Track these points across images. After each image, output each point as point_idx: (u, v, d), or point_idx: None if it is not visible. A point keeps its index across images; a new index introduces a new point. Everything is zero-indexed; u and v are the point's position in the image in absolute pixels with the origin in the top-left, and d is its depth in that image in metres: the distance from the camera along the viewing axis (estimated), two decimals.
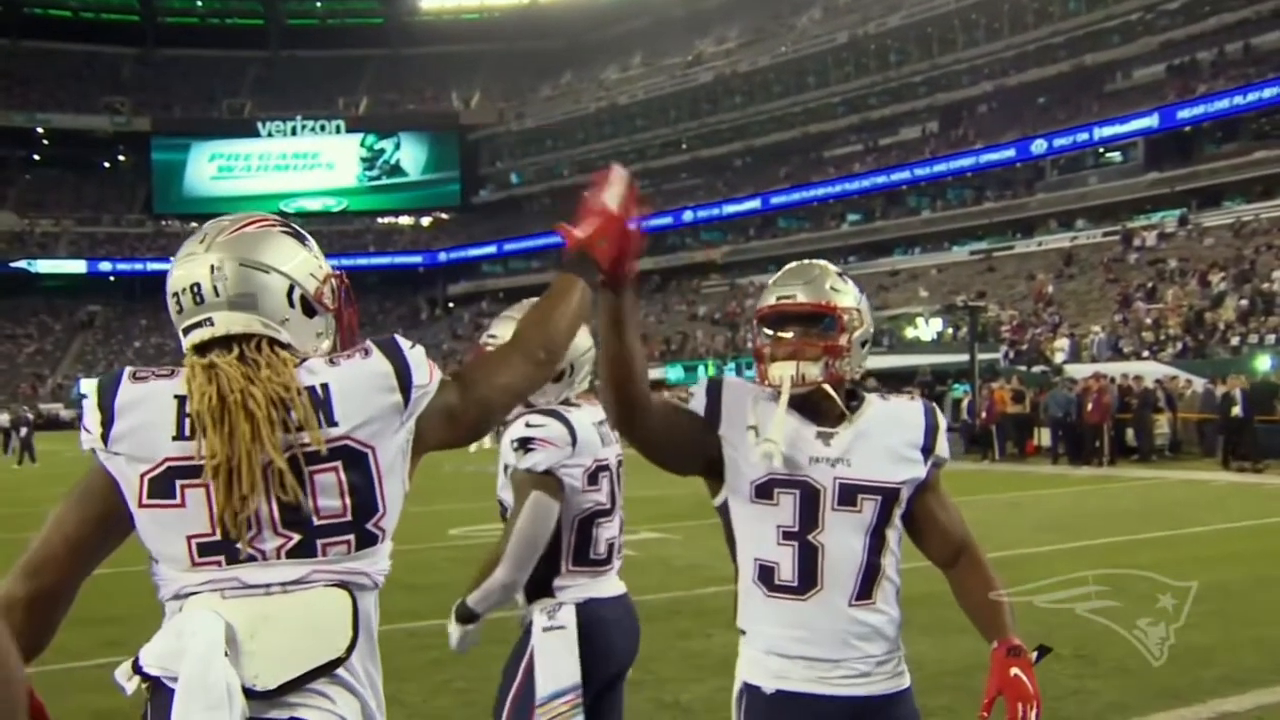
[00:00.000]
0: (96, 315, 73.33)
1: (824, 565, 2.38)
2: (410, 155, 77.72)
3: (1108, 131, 47.74)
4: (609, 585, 3.20)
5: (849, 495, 2.40)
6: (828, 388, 2.42)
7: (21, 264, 71.23)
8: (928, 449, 2.48)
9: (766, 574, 2.41)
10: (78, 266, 72.99)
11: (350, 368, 1.84)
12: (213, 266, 1.89)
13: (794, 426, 2.41)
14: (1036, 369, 29.31)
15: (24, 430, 31.45)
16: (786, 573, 2.39)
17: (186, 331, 1.91)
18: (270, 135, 77.54)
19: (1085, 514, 14.62)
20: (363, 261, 73.59)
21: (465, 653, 3.17)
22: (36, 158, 77.82)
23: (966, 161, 53.25)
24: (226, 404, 1.76)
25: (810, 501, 2.39)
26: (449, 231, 76.29)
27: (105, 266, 73.42)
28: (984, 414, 24.72)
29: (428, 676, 6.63)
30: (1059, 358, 30.34)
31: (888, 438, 2.45)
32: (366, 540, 1.80)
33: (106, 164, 79.59)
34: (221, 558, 1.74)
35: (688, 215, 62.58)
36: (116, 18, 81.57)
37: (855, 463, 2.41)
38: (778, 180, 61.49)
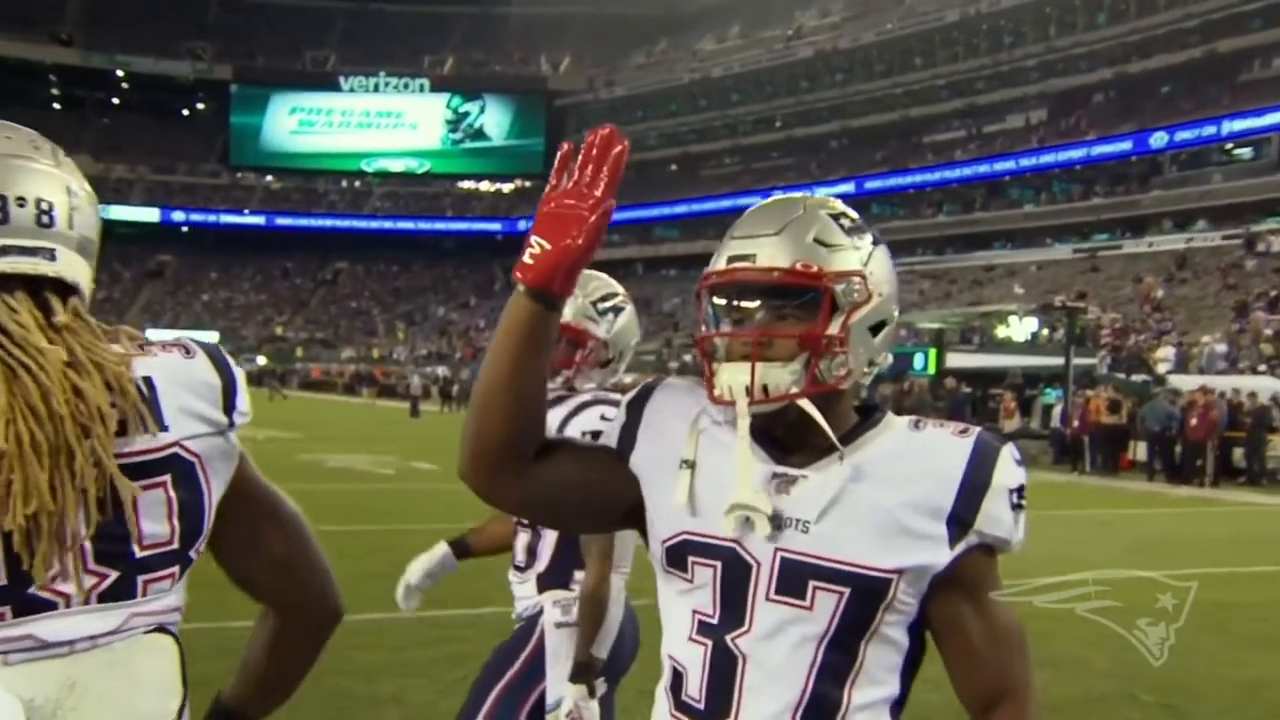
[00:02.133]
0: (166, 265, 72.84)
1: (743, 685, 1.63)
2: (494, 119, 76.65)
3: (1238, 125, 46.22)
4: (619, 584, 2.96)
5: (794, 580, 1.61)
6: (806, 404, 1.61)
7: None
8: (960, 519, 1.59)
9: (676, 681, 1.71)
10: (151, 215, 72.59)
11: (172, 363, 1.51)
12: (69, 189, 1.53)
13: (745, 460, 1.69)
14: (1137, 378, 28.22)
15: None
16: (694, 686, 1.67)
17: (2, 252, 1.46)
18: (352, 90, 76.75)
19: (1182, 539, 13.66)
20: (440, 226, 72.67)
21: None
22: (115, 101, 77.69)
23: (1077, 153, 52.23)
24: (43, 389, 1.38)
25: (735, 583, 1.64)
26: (530, 199, 74.86)
27: (178, 216, 73.08)
28: (1076, 423, 23.74)
29: (442, 673, 6.12)
30: (1162, 367, 29.51)
31: (892, 492, 1.61)
32: (185, 570, 1.49)
33: (185, 111, 79.26)
34: (7, 609, 1.35)
35: (777, 195, 61.06)
36: None
37: (819, 528, 1.60)
38: (873, 164, 60.52)
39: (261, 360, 61.28)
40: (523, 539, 3.07)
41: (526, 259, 1.60)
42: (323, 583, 1.67)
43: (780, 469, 1.66)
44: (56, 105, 75.91)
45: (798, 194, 1.78)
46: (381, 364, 59.49)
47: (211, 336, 71.59)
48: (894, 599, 1.60)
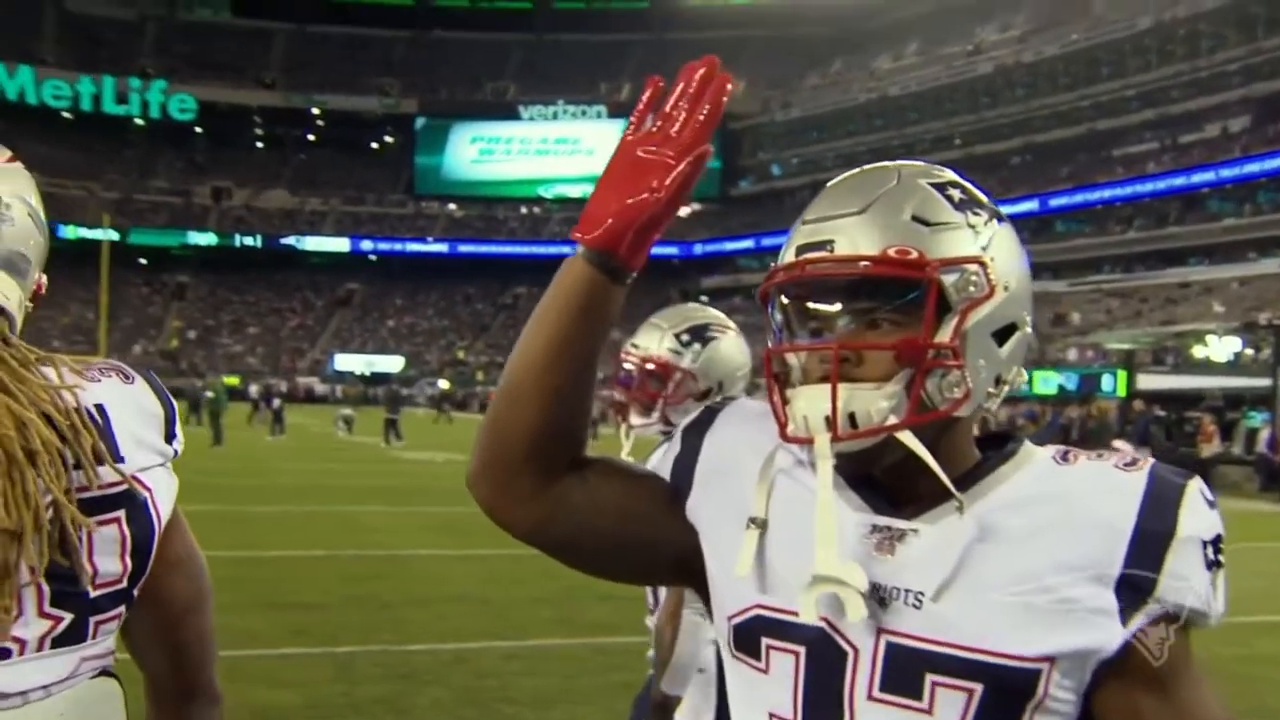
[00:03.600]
0: (355, 293, 75.74)
1: None
2: None
3: None
4: (694, 619, 2.85)
5: (905, 673, 1.23)
6: (910, 439, 1.22)
7: (290, 240, 74.92)
8: (1134, 583, 1.19)
9: None
10: (341, 245, 75.81)
11: (116, 390, 1.41)
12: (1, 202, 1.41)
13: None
14: None
15: (276, 402, 32.19)
16: None
17: None
18: (531, 119, 78.56)
19: None
20: None
21: None
22: (311, 138, 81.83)
23: None
24: None
25: (825, 676, 1.26)
26: (706, 223, 75.34)
27: (366, 245, 76.03)
28: None
29: (612, 701, 5.87)
30: None
31: (1037, 550, 1.22)
32: (129, 610, 1.41)
33: (374, 145, 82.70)
34: None
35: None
36: (393, 1, 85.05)
37: (938, 604, 1.22)
38: (1058, 180, 58.71)
39: (444, 384, 62.97)
40: None
41: (588, 213, 1.28)
42: (206, 654, 1.49)
43: (882, 520, 1.27)
44: (260, 144, 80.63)
45: (891, 163, 1.34)
46: None
47: (397, 361, 73.77)
48: (1045, 696, 1.20)
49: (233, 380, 49.57)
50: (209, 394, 31.20)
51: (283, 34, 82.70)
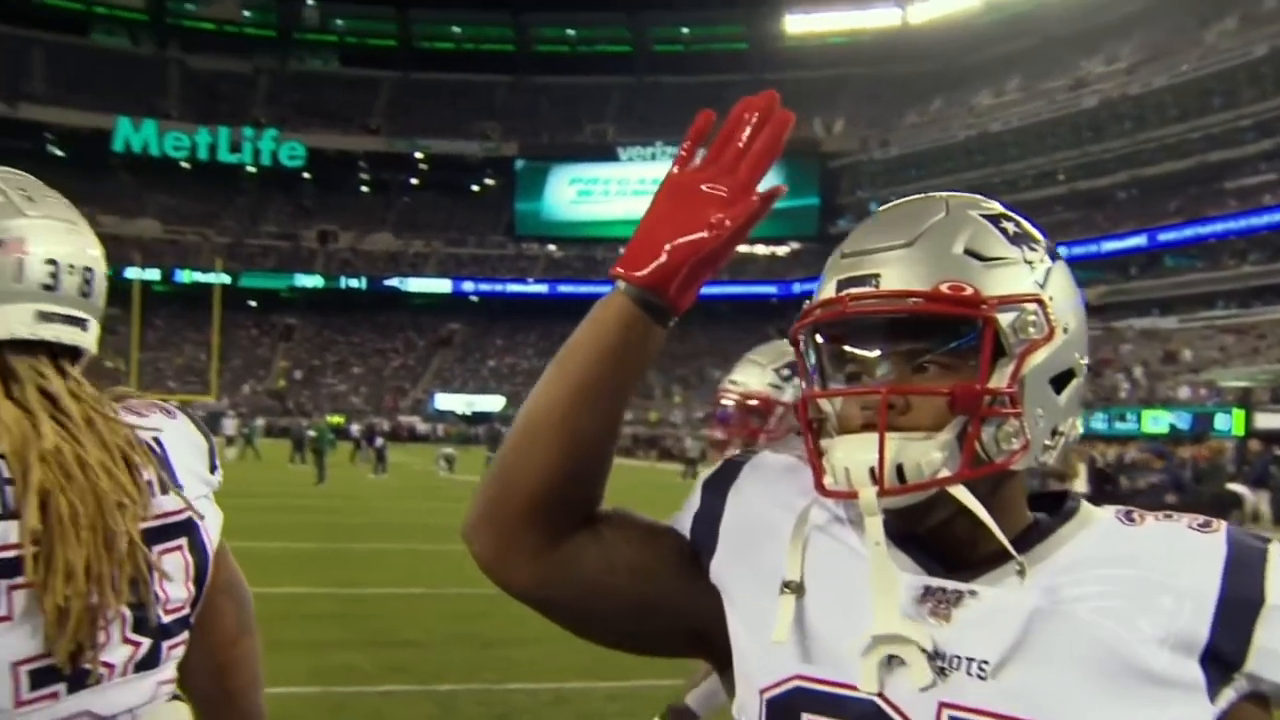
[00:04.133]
0: (456, 333, 76.78)
1: None
2: (767, 182, 76.64)
3: None
4: None
5: None
6: (963, 494, 1.12)
7: (394, 282, 76.18)
8: (1222, 656, 1.08)
9: None
10: (443, 286, 76.95)
11: (166, 423, 1.49)
12: (99, 259, 1.50)
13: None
14: None
15: (379, 441, 32.49)
16: None
17: (47, 318, 1.41)
18: (630, 160, 78.99)
19: None
20: (715, 290, 73.20)
21: None
22: (414, 182, 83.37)
23: None
24: (82, 461, 1.34)
25: None
26: (804, 262, 74.84)
27: (468, 286, 77.07)
28: None
29: None
30: None
31: (1115, 618, 1.10)
32: (190, 635, 1.48)
33: (475, 187, 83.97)
34: (62, 686, 1.33)
35: (1060, 252, 58.83)
36: (493, 48, 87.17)
37: (1006, 674, 1.10)
38: (1167, 214, 57.02)
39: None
40: None
41: (634, 249, 1.18)
42: (255, 678, 1.54)
43: (935, 582, 1.15)
44: (365, 189, 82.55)
45: (937, 194, 1.24)
46: (658, 427, 60.41)
47: (497, 401, 74.47)
48: None
49: (337, 419, 50.48)
50: (311, 433, 31.96)
51: (388, 81, 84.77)
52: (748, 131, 1.21)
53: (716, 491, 1.28)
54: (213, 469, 1.48)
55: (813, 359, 1.23)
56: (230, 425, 38.02)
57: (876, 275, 1.15)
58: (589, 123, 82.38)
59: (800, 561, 1.18)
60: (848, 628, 1.13)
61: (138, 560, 1.34)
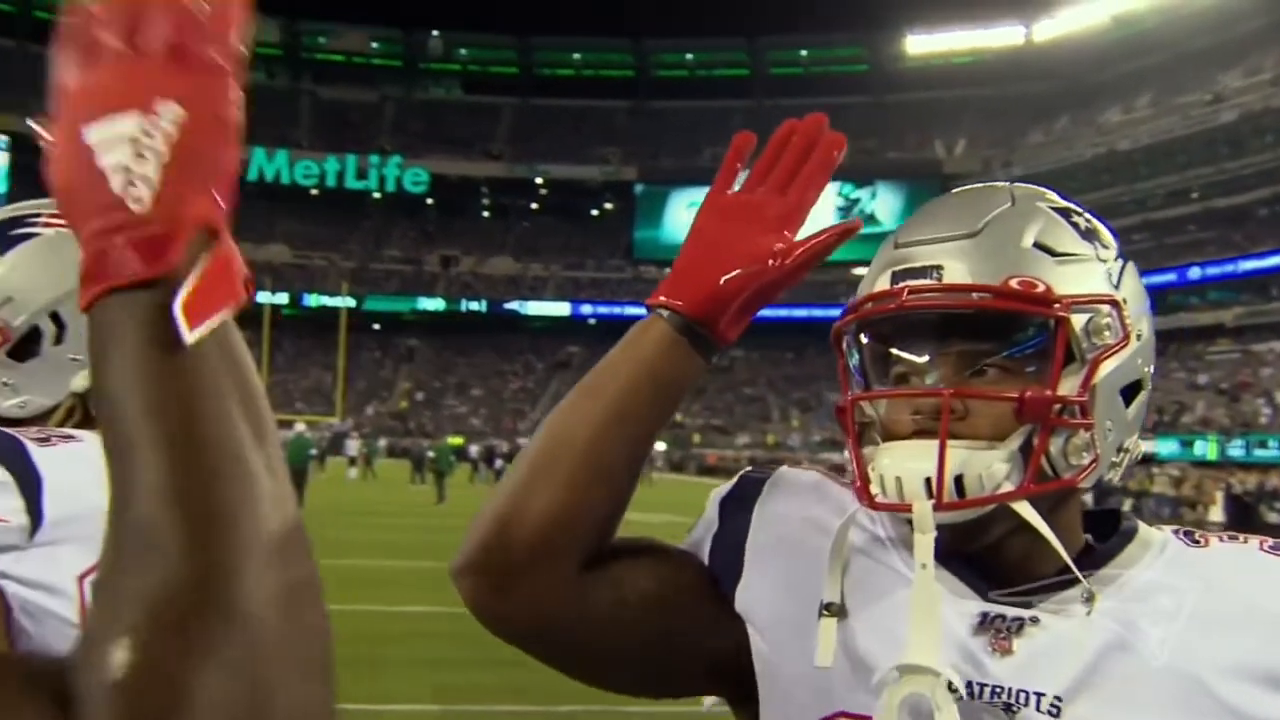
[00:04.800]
0: (574, 356, 77.38)
1: None
2: (886, 204, 76.31)
3: None
4: None
5: None
6: (1029, 512, 1.01)
7: (514, 305, 77.18)
8: None
9: None
10: (562, 309, 77.80)
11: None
12: None
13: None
14: None
15: (498, 463, 32.84)
16: None
17: None
18: None
19: None
20: (834, 313, 71.77)
21: None
22: (534, 206, 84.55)
23: None
24: None
25: None
26: None
27: (586, 309, 77.77)
28: None
29: None
30: None
31: (1193, 648, 1.00)
32: None
33: (594, 212, 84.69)
34: None
35: (1194, 272, 57.45)
36: (613, 73, 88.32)
37: (1078, 711, 0.99)
38: None
39: (661, 446, 63.38)
40: None
41: (681, 275, 1.08)
42: None
43: (993, 608, 1.02)
44: (486, 213, 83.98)
45: (1000, 182, 1.11)
46: (775, 450, 59.95)
47: None
48: None
49: (457, 440, 51.25)
50: (431, 454, 32.53)
51: (509, 108, 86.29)
52: (796, 152, 1.12)
53: (738, 511, 1.17)
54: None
55: (856, 359, 1.13)
56: (353, 446, 38.84)
57: (938, 267, 1.04)
58: (708, 146, 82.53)
59: (840, 583, 1.07)
60: (895, 656, 1.02)
61: None
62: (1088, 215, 1.11)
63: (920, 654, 0.98)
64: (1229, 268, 55.93)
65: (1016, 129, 73.51)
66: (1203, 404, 47.13)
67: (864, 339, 1.12)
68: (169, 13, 0.67)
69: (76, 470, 1.13)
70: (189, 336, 0.64)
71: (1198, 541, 1.06)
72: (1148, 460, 36.11)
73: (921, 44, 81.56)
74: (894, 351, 1.08)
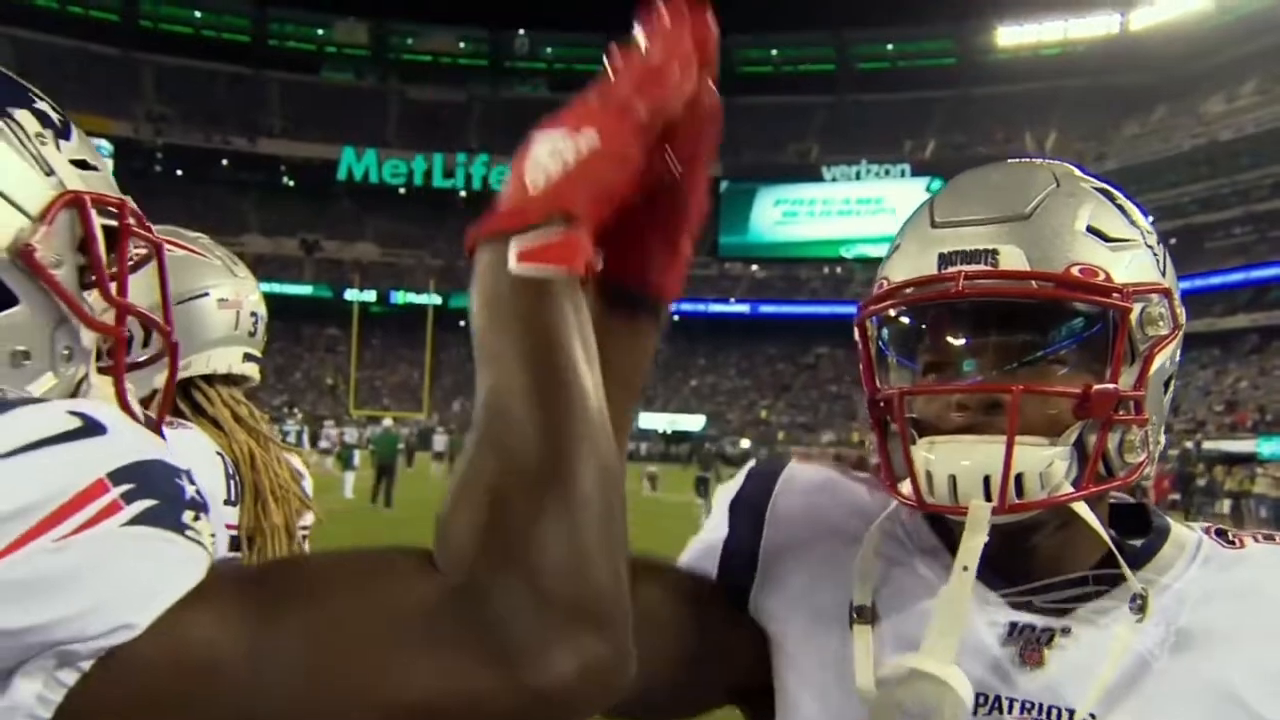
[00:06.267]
0: (659, 353, 76.96)
1: None
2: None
3: None
4: None
5: None
6: (1087, 513, 0.97)
7: None
8: None
9: None
10: None
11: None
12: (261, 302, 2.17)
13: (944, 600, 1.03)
14: None
15: None
16: None
17: (250, 358, 2.00)
18: (834, 180, 78.24)
19: None
20: None
21: None
22: None
23: None
24: (264, 462, 1.82)
25: None
26: None
27: (672, 306, 77.35)
28: None
29: None
30: None
31: (1232, 657, 0.94)
32: None
33: None
34: None
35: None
36: None
37: (1136, 704, 0.94)
38: None
39: (746, 443, 63.02)
40: None
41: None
42: None
43: (1022, 618, 0.96)
44: None
45: (1035, 159, 1.04)
46: (861, 448, 59.30)
47: (699, 420, 74.34)
48: None
49: None
50: None
51: None
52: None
53: (748, 514, 1.11)
54: None
55: (885, 347, 1.06)
56: (440, 442, 39.19)
57: (992, 251, 0.97)
58: (792, 142, 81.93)
59: (870, 590, 1.01)
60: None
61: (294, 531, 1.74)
62: (1124, 195, 1.06)
63: (934, 659, 0.92)
64: None
65: (1110, 121, 71.75)
66: None
67: (893, 324, 1.06)
68: (631, 73, 0.90)
69: (195, 455, 1.52)
70: (514, 267, 0.87)
71: (1232, 542, 1.01)
72: (1249, 460, 34.88)
73: (1013, 35, 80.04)
74: (944, 338, 1.01)
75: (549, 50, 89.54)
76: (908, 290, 1.01)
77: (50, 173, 0.90)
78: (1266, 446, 37.88)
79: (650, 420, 69.60)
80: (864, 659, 0.98)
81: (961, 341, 0.99)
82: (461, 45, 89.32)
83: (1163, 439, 1.04)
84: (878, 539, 1.04)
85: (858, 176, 77.50)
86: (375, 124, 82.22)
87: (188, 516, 0.76)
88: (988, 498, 0.93)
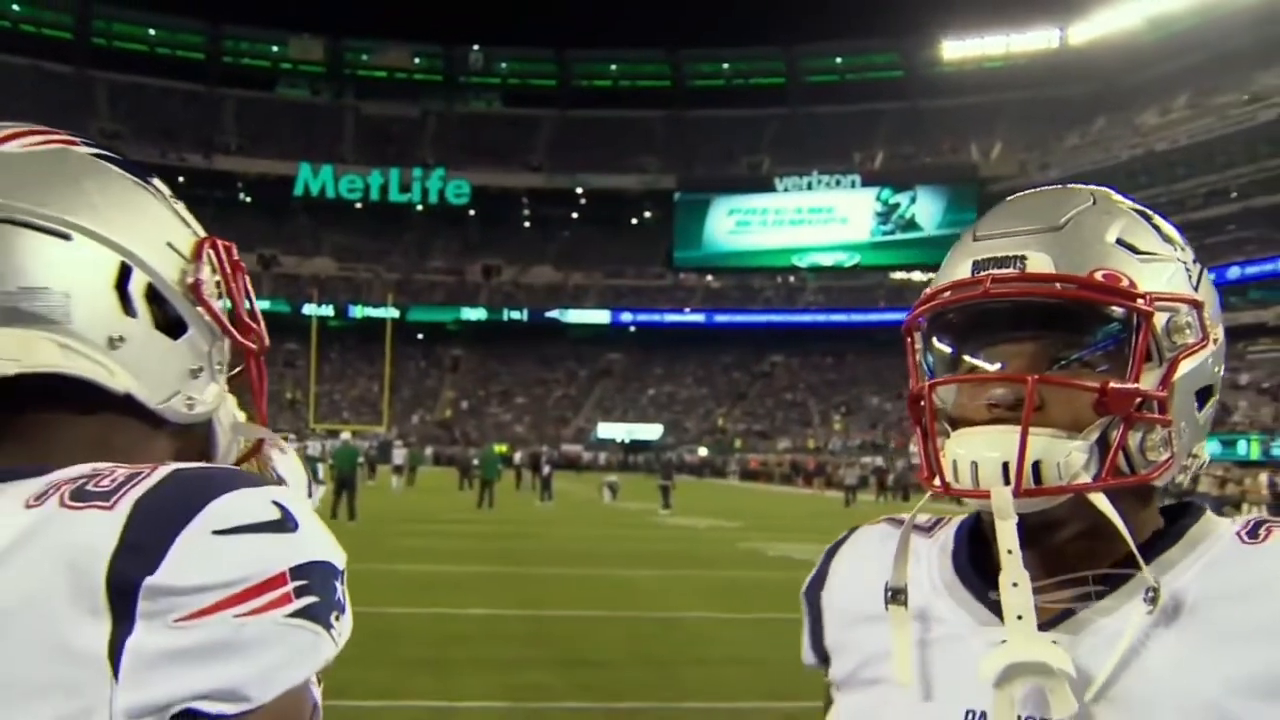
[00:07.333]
0: (615, 363, 78.07)
1: None
2: (926, 209, 76.38)
3: None
4: None
5: None
6: (1105, 504, 0.98)
7: (554, 314, 78.09)
8: None
9: None
10: (602, 317, 78.60)
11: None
12: None
13: (971, 590, 1.07)
14: None
15: (546, 469, 33.21)
16: None
17: None
18: (785, 190, 79.40)
19: None
20: (873, 317, 72.86)
21: None
22: (574, 216, 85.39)
23: None
24: None
25: None
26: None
27: (626, 317, 78.49)
28: None
29: None
30: None
31: (1221, 655, 0.95)
32: None
33: (634, 221, 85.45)
34: None
35: (1234, 272, 56.81)
36: (650, 84, 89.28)
37: (1101, 712, 0.96)
38: None
39: (703, 451, 64.02)
40: None
41: None
42: None
43: (1054, 602, 1.02)
44: (527, 224, 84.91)
45: (1079, 185, 1.12)
46: (816, 454, 60.42)
47: (656, 430, 74.98)
48: None
49: (501, 448, 52.11)
50: (475, 461, 33.34)
51: (548, 120, 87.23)
52: None
53: (813, 593, 1.18)
54: None
55: (927, 351, 1.12)
56: (400, 455, 39.47)
57: (1021, 257, 1.02)
58: (745, 154, 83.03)
59: (906, 569, 1.07)
60: (932, 712, 1.04)
61: None
62: (1163, 220, 1.10)
63: (1026, 648, 0.95)
64: (1268, 266, 55.31)
65: (1052, 132, 73.38)
66: (1245, 403, 46.85)
67: (935, 330, 1.11)
68: None
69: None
70: None
71: (1256, 536, 1.01)
72: None
73: (956, 49, 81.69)
74: (980, 338, 1.06)
75: (503, 65, 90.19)
76: (944, 294, 1.06)
77: (187, 224, 1.03)
78: (1206, 446, 39.27)
79: (609, 430, 70.27)
80: (903, 648, 1.02)
81: (996, 344, 1.04)
82: (416, 61, 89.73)
83: (1203, 449, 1.08)
84: (921, 570, 1.10)
85: (809, 187, 78.69)
86: (331, 139, 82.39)
87: (334, 616, 0.84)
88: (1007, 483, 0.97)
